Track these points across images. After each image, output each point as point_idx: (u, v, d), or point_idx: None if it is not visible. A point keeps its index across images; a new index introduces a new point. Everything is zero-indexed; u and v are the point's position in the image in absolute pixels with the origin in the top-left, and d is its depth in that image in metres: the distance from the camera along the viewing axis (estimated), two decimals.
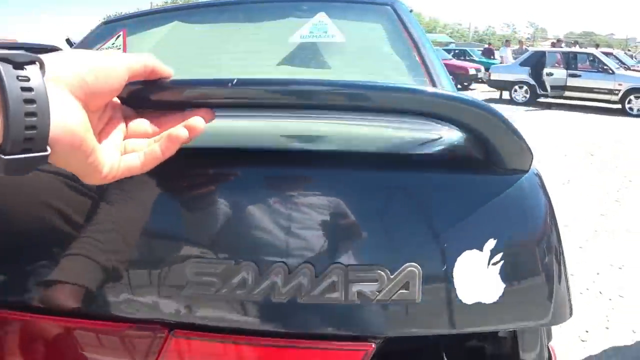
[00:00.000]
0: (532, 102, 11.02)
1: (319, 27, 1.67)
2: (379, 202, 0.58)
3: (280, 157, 0.67)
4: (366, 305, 0.55)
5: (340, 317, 0.57)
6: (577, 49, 14.17)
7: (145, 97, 0.53)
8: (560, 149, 6.19)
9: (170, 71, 0.52)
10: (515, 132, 0.54)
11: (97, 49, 1.66)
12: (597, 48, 15.99)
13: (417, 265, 0.55)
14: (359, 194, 0.58)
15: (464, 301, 0.55)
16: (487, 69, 13.37)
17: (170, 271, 0.57)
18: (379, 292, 0.55)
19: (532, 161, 0.59)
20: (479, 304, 0.55)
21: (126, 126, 0.51)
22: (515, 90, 11.27)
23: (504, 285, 0.55)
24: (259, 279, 0.55)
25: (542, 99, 11.30)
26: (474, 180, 0.60)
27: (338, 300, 0.55)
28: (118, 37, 1.81)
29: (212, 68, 1.62)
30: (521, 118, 8.90)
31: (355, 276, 0.55)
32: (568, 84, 10.37)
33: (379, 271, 0.55)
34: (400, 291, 0.55)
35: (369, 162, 0.63)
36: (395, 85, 0.54)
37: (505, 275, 0.56)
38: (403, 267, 0.55)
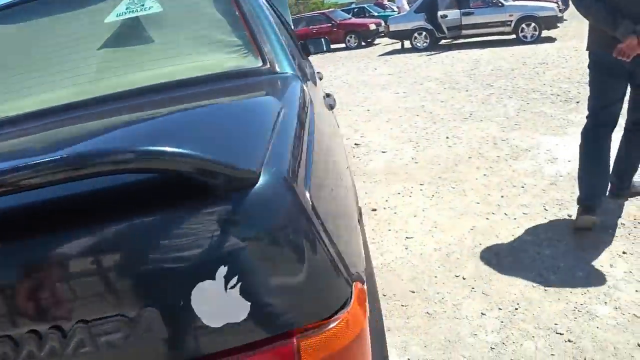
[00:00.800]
0: (433, 46, 11.11)
1: (136, 0, 1.43)
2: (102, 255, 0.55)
3: None
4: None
5: None
6: None
7: None
8: (458, 85, 6.22)
9: None
10: (195, 157, 0.51)
11: None
12: None
13: (154, 308, 0.54)
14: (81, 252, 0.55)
15: (213, 325, 0.54)
16: (386, 22, 13.34)
17: None
18: (127, 338, 0.54)
19: (251, 175, 0.56)
20: (229, 324, 0.54)
21: None
22: (415, 38, 11.31)
23: (249, 303, 0.54)
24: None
25: (442, 42, 11.45)
26: (191, 212, 0.55)
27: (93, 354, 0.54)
28: None
29: (33, 70, 1.47)
30: (423, 64, 8.93)
31: (100, 330, 0.54)
32: (463, 22, 10.47)
33: (120, 319, 0.54)
34: (145, 333, 0.54)
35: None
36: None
37: (249, 293, 0.54)
38: (142, 310, 0.54)
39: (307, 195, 0.63)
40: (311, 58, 3.40)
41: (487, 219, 2.59)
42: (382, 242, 2.56)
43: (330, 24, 15.02)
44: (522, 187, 2.93)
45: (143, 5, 1.48)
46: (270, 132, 0.72)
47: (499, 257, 2.20)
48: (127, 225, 0.55)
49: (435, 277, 2.13)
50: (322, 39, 3.48)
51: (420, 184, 3.24)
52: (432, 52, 10.44)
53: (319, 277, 0.59)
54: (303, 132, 0.83)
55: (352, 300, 0.63)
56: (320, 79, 2.86)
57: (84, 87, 1.32)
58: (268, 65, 1.23)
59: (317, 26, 15.14)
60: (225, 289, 0.53)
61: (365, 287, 0.71)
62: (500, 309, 1.84)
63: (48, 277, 0.55)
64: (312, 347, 0.57)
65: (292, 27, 3.34)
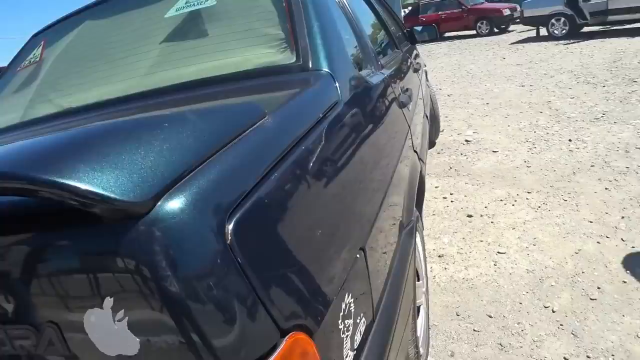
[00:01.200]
0: (572, 34, 9.99)
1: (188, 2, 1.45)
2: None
3: None
4: None
5: None
6: None
7: None
8: (592, 85, 5.52)
9: None
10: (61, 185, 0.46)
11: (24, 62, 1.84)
12: None
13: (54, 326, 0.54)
14: None
15: (108, 354, 0.53)
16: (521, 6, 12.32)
17: None
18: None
19: (139, 205, 0.50)
20: (122, 356, 0.52)
21: None
22: (552, 24, 10.21)
23: (137, 339, 0.51)
24: None
25: (584, 29, 10.26)
26: (72, 243, 0.54)
27: None
28: (39, 47, 1.91)
29: (103, 66, 1.58)
30: (557, 54, 8.10)
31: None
32: (610, 6, 9.13)
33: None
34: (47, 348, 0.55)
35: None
36: None
37: (136, 329, 0.51)
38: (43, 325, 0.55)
39: (226, 228, 0.54)
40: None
41: (598, 242, 2.25)
42: (469, 253, 2.35)
43: (460, 9, 14.26)
44: None
45: (198, 1, 1.49)
46: (217, 148, 0.63)
47: (603, 293, 1.89)
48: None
49: (520, 303, 1.90)
50: (432, 26, 3.29)
51: (528, 192, 2.93)
52: (571, 41, 9.40)
53: (214, 321, 0.51)
54: (277, 146, 0.73)
55: (277, 353, 0.54)
56: (417, 70, 2.67)
57: (136, 81, 1.37)
58: (300, 62, 1.14)
59: (447, 12, 14.46)
60: (114, 320, 0.51)
61: (313, 341, 0.61)
62: (589, 357, 1.57)
63: None
64: None
65: (396, 15, 3.16)
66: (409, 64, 2.41)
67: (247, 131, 0.70)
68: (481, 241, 2.47)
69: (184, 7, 1.53)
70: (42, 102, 1.63)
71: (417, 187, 1.55)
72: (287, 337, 0.57)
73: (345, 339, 0.76)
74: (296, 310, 0.62)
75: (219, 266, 0.52)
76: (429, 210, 2.95)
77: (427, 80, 3.77)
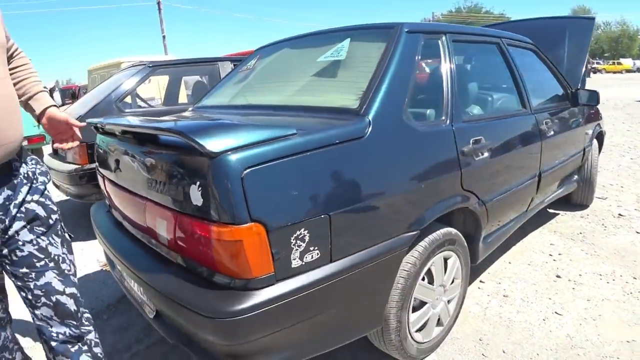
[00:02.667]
0: None
1: (339, 49, 2.14)
2: None
3: None
4: None
5: None
6: None
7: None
8: None
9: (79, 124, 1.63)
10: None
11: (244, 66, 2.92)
12: None
13: None
14: None
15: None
16: None
17: None
18: None
19: None
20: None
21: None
22: None
23: None
24: None
25: None
26: None
27: None
28: (255, 58, 2.97)
29: (274, 82, 2.64)
30: None
31: None
32: None
33: None
34: None
35: None
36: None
37: None
38: None
39: (244, 172, 1.36)
40: None
41: None
42: (531, 303, 2.58)
43: None
44: None
45: (339, 53, 2.14)
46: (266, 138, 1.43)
47: None
48: None
49: (537, 354, 2.14)
50: (595, 92, 3.40)
51: (634, 277, 2.88)
52: None
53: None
54: (295, 148, 1.47)
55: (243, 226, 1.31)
56: (546, 130, 2.88)
57: (280, 96, 2.18)
58: (356, 107, 1.74)
59: None
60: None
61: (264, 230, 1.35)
62: None
63: None
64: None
65: (557, 73, 3.35)
66: (522, 122, 2.66)
67: (280, 138, 1.41)
68: (549, 299, 2.64)
69: (328, 57, 2.22)
70: (240, 95, 2.57)
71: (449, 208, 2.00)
72: (252, 222, 1.29)
73: (294, 250, 1.41)
74: (266, 211, 1.35)
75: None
76: (526, 260, 3.14)
77: (589, 143, 3.80)
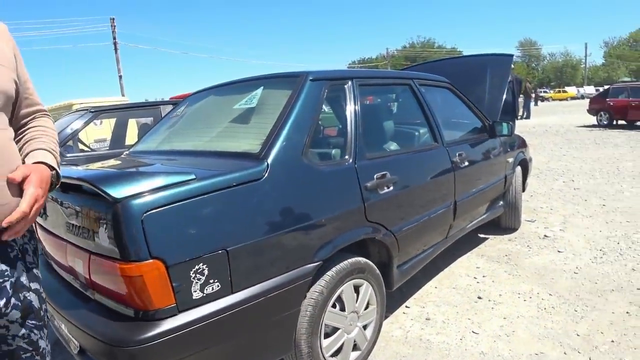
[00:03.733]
0: None
1: (252, 97, 2.32)
2: None
3: None
4: None
5: None
6: None
7: None
8: None
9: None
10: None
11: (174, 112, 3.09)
12: None
13: None
14: None
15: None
16: None
17: None
18: None
19: None
20: None
21: None
22: None
23: None
24: None
25: None
26: None
27: None
28: (184, 105, 3.19)
29: (190, 129, 2.85)
30: None
31: None
32: None
33: None
34: None
35: None
36: None
37: None
38: None
39: (144, 215, 1.52)
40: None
41: (564, 353, 2.44)
42: (451, 325, 2.75)
43: None
44: None
45: (251, 100, 2.33)
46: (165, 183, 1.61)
47: None
48: None
49: None
50: (508, 124, 3.67)
51: (550, 294, 3.10)
52: None
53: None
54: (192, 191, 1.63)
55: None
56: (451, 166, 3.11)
57: (193, 142, 2.32)
58: (257, 152, 1.92)
59: (638, 99, 13.32)
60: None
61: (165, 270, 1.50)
62: None
63: None
64: None
65: (473, 108, 3.63)
66: (432, 155, 2.89)
67: (179, 183, 1.56)
68: (468, 319, 2.82)
69: (242, 104, 2.40)
70: (167, 141, 2.71)
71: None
72: (152, 259, 1.45)
73: (194, 283, 1.55)
74: (165, 248, 1.50)
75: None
76: (451, 284, 3.33)
77: (512, 170, 4.09)
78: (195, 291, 1.56)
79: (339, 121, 2.43)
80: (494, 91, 4.46)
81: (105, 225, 1.52)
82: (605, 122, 14.85)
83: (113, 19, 24.66)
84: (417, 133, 2.99)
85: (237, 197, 1.72)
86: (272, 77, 2.54)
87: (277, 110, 2.11)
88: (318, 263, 1.97)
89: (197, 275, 1.56)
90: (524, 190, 4.80)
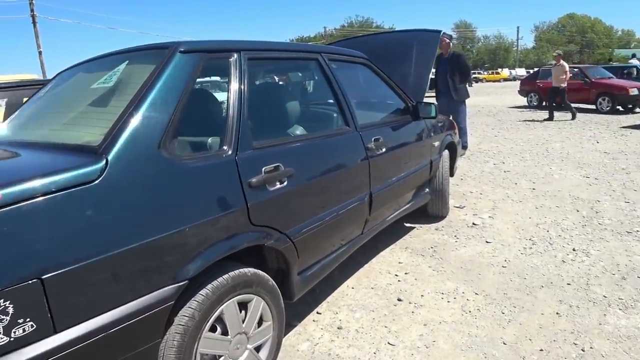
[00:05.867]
0: None
1: (112, 74, 1.82)
2: None
3: None
4: None
5: None
6: None
7: None
8: None
9: None
10: None
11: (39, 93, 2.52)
12: None
13: None
14: None
15: None
16: None
17: None
18: None
19: None
20: None
21: None
22: None
23: None
24: None
25: None
26: None
27: None
28: (49, 85, 2.59)
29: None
30: None
31: None
32: None
33: None
34: None
35: None
36: None
37: None
38: None
39: None
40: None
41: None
42: (365, 334, 2.38)
43: (583, 81, 13.39)
44: None
45: (109, 80, 1.86)
46: None
47: None
48: None
49: None
50: (432, 105, 3.36)
51: (476, 293, 2.82)
52: None
53: None
54: None
55: None
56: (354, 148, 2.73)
57: (29, 131, 1.85)
58: (97, 145, 1.45)
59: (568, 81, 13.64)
60: None
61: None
62: None
63: None
64: None
65: (394, 87, 3.26)
66: (340, 142, 2.49)
67: None
68: (385, 327, 2.47)
69: (100, 83, 1.92)
70: (17, 128, 2.18)
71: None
72: None
73: None
74: None
75: None
76: (370, 283, 2.98)
77: (438, 155, 3.79)
78: None
79: (219, 103, 1.97)
80: (420, 69, 4.13)
81: None
82: (535, 104, 15.20)
83: None
84: (323, 116, 2.58)
85: (57, 208, 1.25)
86: (138, 50, 2.03)
87: (133, 90, 1.63)
88: (182, 283, 1.53)
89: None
90: (452, 174, 4.54)
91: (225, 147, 1.78)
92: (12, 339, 1.16)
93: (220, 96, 2.18)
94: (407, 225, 4.10)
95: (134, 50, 2.06)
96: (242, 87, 1.94)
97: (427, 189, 3.83)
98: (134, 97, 1.58)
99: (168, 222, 1.49)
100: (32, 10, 22.88)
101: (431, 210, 4.11)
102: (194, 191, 1.60)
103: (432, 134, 3.72)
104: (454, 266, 3.21)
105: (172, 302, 1.51)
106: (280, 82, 2.65)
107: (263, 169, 1.86)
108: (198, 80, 1.85)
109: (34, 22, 22.93)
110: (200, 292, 1.63)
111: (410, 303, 2.72)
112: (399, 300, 2.76)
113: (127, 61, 1.97)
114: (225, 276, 1.71)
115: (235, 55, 1.99)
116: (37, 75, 9.37)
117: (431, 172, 3.74)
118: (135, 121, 1.51)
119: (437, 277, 3.06)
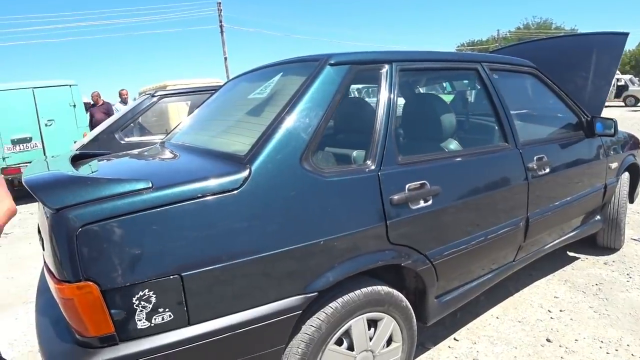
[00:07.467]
0: None
1: (266, 86, 1.98)
2: None
3: None
4: None
5: None
6: None
7: None
8: None
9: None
10: None
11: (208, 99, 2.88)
12: None
13: None
14: None
15: None
16: None
17: None
18: None
19: None
20: None
21: None
22: None
23: None
24: None
25: None
26: None
27: None
28: (218, 91, 2.93)
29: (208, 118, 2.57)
30: None
31: None
32: None
33: None
34: None
35: None
36: None
37: None
38: None
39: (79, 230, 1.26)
40: None
41: None
42: None
43: None
44: None
45: (264, 91, 1.99)
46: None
47: None
48: None
49: None
50: (612, 120, 2.96)
51: None
52: None
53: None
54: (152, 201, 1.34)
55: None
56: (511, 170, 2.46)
57: (194, 136, 2.23)
58: (242, 155, 1.55)
59: None
60: None
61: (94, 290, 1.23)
62: None
63: None
64: None
65: (567, 99, 2.92)
66: (497, 159, 2.28)
67: (130, 192, 1.31)
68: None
69: (256, 94, 2.09)
70: (185, 133, 2.48)
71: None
72: (85, 281, 1.22)
73: (138, 311, 1.28)
74: (101, 269, 1.24)
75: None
76: (517, 316, 2.72)
77: (615, 178, 3.32)
78: (140, 320, 1.30)
79: (367, 116, 1.94)
80: (599, 79, 3.64)
81: (49, 240, 1.32)
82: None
83: (219, 2, 25.55)
84: (479, 132, 2.40)
85: (201, 212, 1.37)
86: (291, 62, 2.11)
87: (282, 102, 1.70)
88: (310, 295, 1.56)
89: (142, 302, 1.29)
90: (632, 201, 3.93)
91: (368, 162, 1.75)
92: (152, 325, 1.31)
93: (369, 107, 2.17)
94: (570, 254, 3.66)
95: (288, 62, 2.15)
96: (392, 99, 1.89)
97: (599, 216, 3.36)
98: (281, 110, 1.66)
99: (302, 234, 1.53)
100: (220, 21, 25.67)
101: (601, 240, 3.61)
102: (332, 205, 1.60)
103: (610, 153, 3.26)
104: (621, 311, 2.77)
105: (300, 311, 1.54)
106: (434, 94, 2.52)
107: (407, 186, 1.80)
108: (352, 87, 1.86)
109: (222, 32, 25.73)
110: (330, 305, 1.64)
111: (560, 346, 2.42)
112: (548, 341, 2.46)
113: (281, 73, 2.06)
114: (357, 292, 1.70)
115: (387, 67, 1.95)
116: (219, 80, 10.41)
117: (605, 198, 3.28)
118: (279, 134, 1.57)
119: (598, 320, 2.67)
